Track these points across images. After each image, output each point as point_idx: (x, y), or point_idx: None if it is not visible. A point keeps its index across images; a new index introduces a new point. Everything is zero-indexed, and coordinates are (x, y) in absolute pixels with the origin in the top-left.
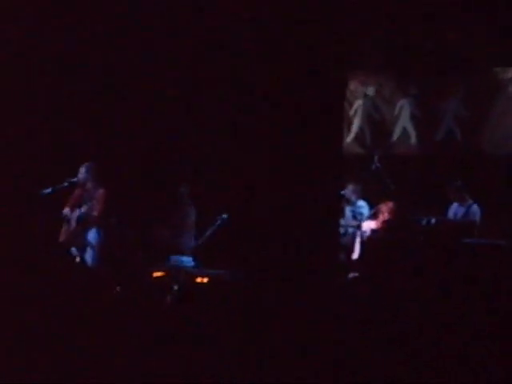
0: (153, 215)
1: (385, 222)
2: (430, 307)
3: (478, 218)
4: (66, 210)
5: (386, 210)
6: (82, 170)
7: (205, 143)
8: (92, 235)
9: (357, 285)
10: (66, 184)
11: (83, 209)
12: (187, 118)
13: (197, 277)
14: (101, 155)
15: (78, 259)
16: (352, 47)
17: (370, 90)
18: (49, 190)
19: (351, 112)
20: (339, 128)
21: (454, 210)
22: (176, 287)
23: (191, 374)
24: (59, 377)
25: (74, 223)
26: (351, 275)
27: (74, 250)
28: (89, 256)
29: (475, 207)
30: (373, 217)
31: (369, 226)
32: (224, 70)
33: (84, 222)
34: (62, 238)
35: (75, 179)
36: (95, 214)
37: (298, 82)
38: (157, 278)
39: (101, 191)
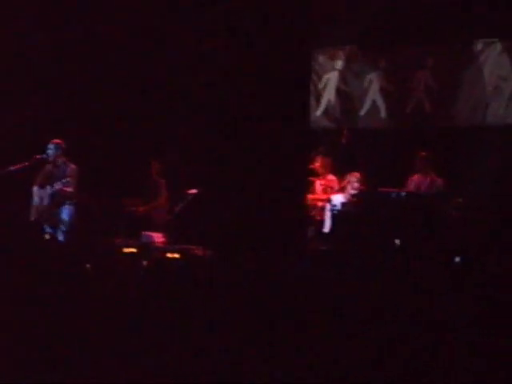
0: (124, 191)
1: (354, 195)
2: (403, 281)
3: (442, 189)
4: (36, 188)
5: (353, 180)
6: (51, 147)
7: (176, 117)
8: (66, 212)
9: (327, 258)
10: (36, 160)
11: (56, 185)
12: (159, 92)
13: (167, 252)
14: (70, 130)
15: (49, 236)
16: (319, 20)
17: (339, 64)
18: (17, 167)
19: (320, 85)
20: (306, 102)
21: (416, 181)
22: (146, 263)
23: (163, 353)
24: (31, 357)
25: (46, 200)
26: (322, 249)
27: (46, 227)
28: (60, 233)
29: (439, 181)
30: (342, 190)
31: (338, 199)
32: (196, 48)
33: (58, 199)
34: (33, 215)
35: (44, 155)
36: (70, 190)
37: (266, 58)
38: (128, 253)
39: (73, 167)
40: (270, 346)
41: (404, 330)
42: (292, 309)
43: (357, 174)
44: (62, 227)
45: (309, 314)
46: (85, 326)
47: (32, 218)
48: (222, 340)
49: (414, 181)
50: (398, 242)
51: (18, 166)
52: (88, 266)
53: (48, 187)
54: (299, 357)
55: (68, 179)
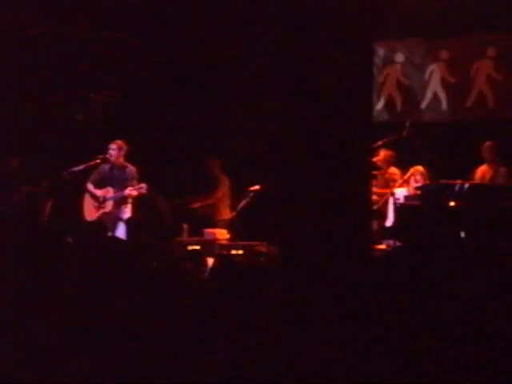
0: (186, 189)
1: (417, 188)
2: (470, 275)
3: (505, 179)
4: (91, 186)
5: (416, 173)
6: (114, 147)
7: (237, 116)
8: (125, 211)
9: (393, 254)
10: (98, 161)
11: (128, 191)
12: (216, 91)
13: (231, 249)
14: (128, 132)
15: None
16: (379, 13)
17: (400, 57)
18: (81, 168)
19: (381, 79)
20: (369, 96)
21: (482, 172)
22: (211, 260)
23: (226, 347)
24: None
25: (109, 203)
26: (386, 243)
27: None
28: (121, 231)
29: (503, 169)
30: (405, 183)
31: (401, 192)
32: (250, 42)
33: (122, 203)
34: (90, 214)
35: (107, 156)
36: (135, 193)
37: (325, 52)
38: (192, 251)
39: (133, 169)
40: (336, 345)
41: (473, 325)
42: (356, 305)
43: (419, 168)
44: (122, 225)
45: (376, 308)
46: (152, 325)
47: (89, 218)
48: (287, 337)
49: (480, 171)
50: (463, 234)
51: (81, 166)
52: (154, 263)
53: (110, 189)
54: (366, 357)
55: (143, 185)
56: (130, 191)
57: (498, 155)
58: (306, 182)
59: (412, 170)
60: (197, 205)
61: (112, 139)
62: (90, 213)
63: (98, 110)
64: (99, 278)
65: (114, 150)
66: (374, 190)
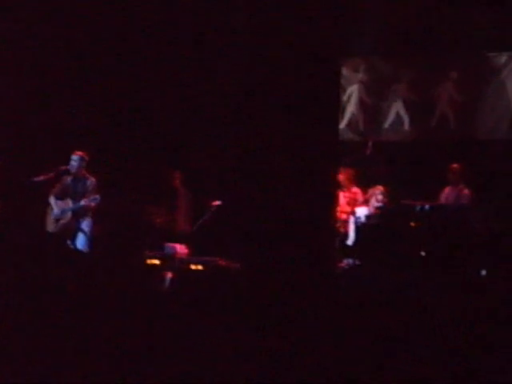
0: (147, 202)
1: (378, 208)
2: (429, 294)
3: (468, 201)
4: (53, 198)
5: (377, 193)
6: (75, 158)
7: (201, 127)
8: (85, 223)
9: (354, 272)
10: (59, 172)
11: (84, 202)
12: (181, 104)
13: (191, 264)
14: (90, 139)
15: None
16: (344, 33)
17: (363, 76)
18: (40, 178)
19: (344, 98)
20: (335, 114)
21: (446, 193)
22: (170, 275)
23: (186, 364)
24: (55, 367)
25: (67, 214)
26: (346, 261)
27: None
28: (80, 243)
29: (466, 191)
30: (366, 202)
31: (362, 211)
32: (221, 59)
33: (81, 213)
34: (50, 226)
35: (68, 167)
36: (93, 205)
37: (293, 70)
38: (151, 265)
39: (93, 180)
40: (297, 356)
41: (430, 341)
42: (319, 321)
43: (380, 187)
44: (82, 236)
45: (333, 326)
46: (109, 338)
47: (50, 230)
48: (247, 351)
49: (445, 193)
50: (423, 254)
51: (42, 176)
52: (113, 277)
53: (69, 201)
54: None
55: (97, 197)
56: (85, 202)
57: (463, 177)
58: (270, 199)
59: (373, 190)
60: (157, 218)
61: (73, 149)
62: (51, 225)
63: (61, 118)
64: (56, 288)
65: (76, 161)
66: (336, 208)
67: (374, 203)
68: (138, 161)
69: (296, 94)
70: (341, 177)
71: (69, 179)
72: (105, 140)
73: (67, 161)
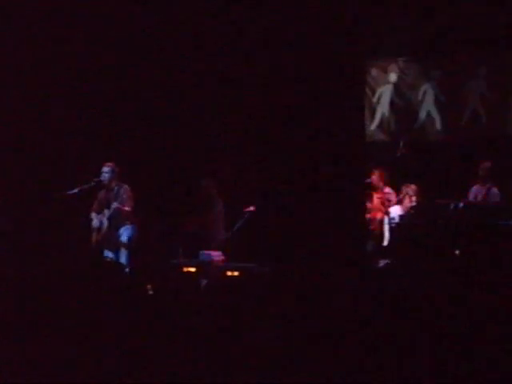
0: (180, 211)
1: (412, 207)
2: (465, 293)
3: (497, 199)
4: (93, 215)
5: (410, 192)
6: (107, 170)
7: (229, 136)
8: (125, 233)
9: (388, 272)
10: (92, 183)
11: (113, 205)
12: (213, 113)
13: (227, 271)
14: (122, 154)
15: (110, 260)
16: (372, 34)
17: (392, 77)
18: (75, 191)
19: (374, 99)
20: (361, 115)
21: (475, 191)
22: (206, 282)
23: (223, 370)
24: (95, 376)
25: (105, 224)
26: (382, 262)
27: (107, 252)
28: (123, 256)
29: (495, 189)
30: (399, 202)
31: (396, 211)
32: (247, 60)
33: (117, 220)
34: (93, 240)
35: (101, 178)
36: (127, 209)
37: (318, 70)
38: (187, 273)
39: (126, 187)
40: (330, 365)
41: (467, 342)
42: (354, 324)
43: (413, 187)
44: (123, 250)
45: (372, 328)
46: (149, 348)
47: (93, 243)
48: (284, 356)
49: (474, 190)
50: (457, 252)
51: (76, 189)
52: (149, 287)
53: (106, 211)
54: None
55: (124, 196)
56: (116, 205)
57: (493, 175)
58: (301, 204)
59: (405, 189)
60: (192, 227)
61: (105, 161)
62: (93, 238)
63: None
64: (95, 303)
65: (107, 172)
66: (369, 209)
67: (407, 203)
68: (172, 170)
69: (322, 96)
70: (373, 177)
71: (102, 192)
72: (139, 150)
73: (98, 173)
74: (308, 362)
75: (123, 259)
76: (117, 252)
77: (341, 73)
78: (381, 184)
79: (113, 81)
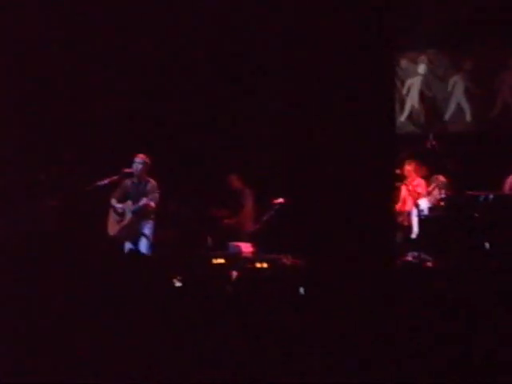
0: (209, 203)
1: (441, 199)
2: (493, 286)
3: None
4: (114, 201)
5: (440, 184)
6: (139, 161)
7: (257, 127)
8: (148, 226)
9: (417, 267)
10: (123, 175)
11: (142, 202)
12: (242, 105)
13: (256, 262)
14: (151, 147)
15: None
16: (402, 24)
17: (422, 68)
18: (105, 182)
19: (404, 91)
20: (391, 106)
21: (509, 182)
22: (235, 273)
23: (253, 362)
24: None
25: (128, 216)
26: (411, 254)
27: (127, 243)
28: (143, 246)
29: None
30: (428, 194)
31: (425, 204)
32: (273, 51)
33: (142, 214)
34: (112, 229)
35: (133, 170)
36: (153, 205)
37: (348, 62)
38: (216, 265)
39: (154, 183)
40: (365, 357)
41: (499, 336)
42: (384, 317)
43: (443, 179)
44: (144, 241)
45: (403, 320)
46: (176, 340)
47: (111, 233)
48: (316, 350)
49: (508, 182)
50: (487, 245)
51: (106, 180)
52: (177, 279)
53: (129, 202)
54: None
55: (156, 194)
56: (145, 201)
57: None
58: (331, 195)
59: (435, 181)
60: (222, 218)
61: (136, 152)
62: (113, 228)
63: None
64: (121, 292)
65: (140, 163)
66: (399, 201)
67: (436, 195)
68: (201, 163)
69: (352, 88)
70: (403, 169)
71: (129, 182)
72: (169, 144)
73: (129, 164)
74: (341, 355)
75: (143, 249)
76: (136, 243)
77: (371, 64)
78: (411, 175)
79: (144, 76)
